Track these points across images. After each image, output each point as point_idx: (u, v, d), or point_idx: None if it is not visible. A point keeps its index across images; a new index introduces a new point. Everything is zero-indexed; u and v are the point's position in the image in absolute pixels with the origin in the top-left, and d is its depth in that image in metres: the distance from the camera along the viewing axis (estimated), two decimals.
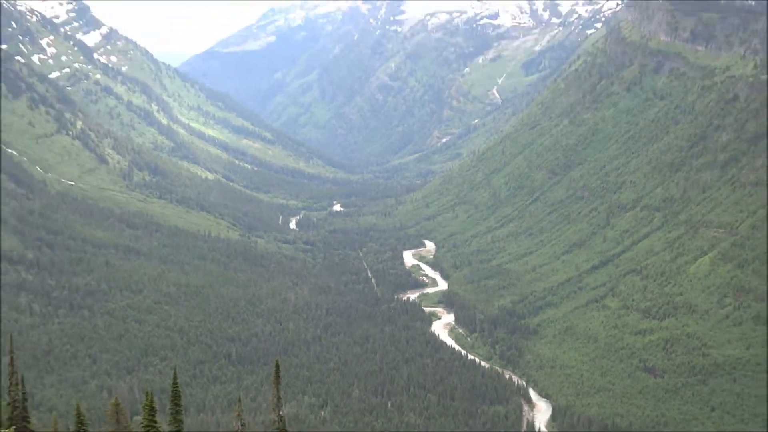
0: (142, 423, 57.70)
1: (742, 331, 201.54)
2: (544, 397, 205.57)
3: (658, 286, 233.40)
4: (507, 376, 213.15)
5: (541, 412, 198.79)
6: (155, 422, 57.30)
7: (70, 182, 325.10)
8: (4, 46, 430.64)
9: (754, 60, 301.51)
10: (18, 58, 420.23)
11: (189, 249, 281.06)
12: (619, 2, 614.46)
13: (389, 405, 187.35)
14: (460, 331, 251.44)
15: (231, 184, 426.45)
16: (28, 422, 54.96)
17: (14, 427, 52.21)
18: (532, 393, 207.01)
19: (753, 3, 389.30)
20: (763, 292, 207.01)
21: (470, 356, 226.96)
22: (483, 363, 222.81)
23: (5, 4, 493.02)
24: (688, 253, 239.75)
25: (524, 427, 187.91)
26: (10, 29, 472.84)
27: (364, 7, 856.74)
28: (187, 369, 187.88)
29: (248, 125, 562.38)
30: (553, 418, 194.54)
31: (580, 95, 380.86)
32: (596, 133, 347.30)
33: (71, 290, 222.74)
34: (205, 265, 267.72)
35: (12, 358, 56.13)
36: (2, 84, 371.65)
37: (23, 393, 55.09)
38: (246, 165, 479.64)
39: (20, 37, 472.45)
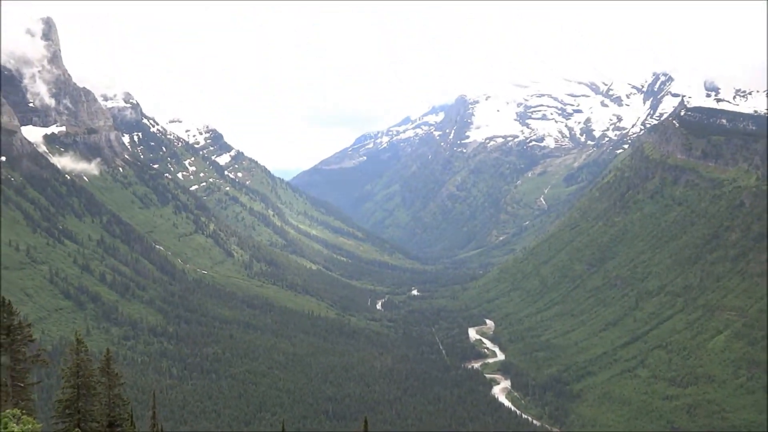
0: None
1: (755, 398, 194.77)
2: None
3: (681, 359, 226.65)
4: None
5: None
6: None
7: (203, 271, 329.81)
8: (155, 166, 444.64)
9: (756, 173, 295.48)
10: (166, 174, 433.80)
11: (296, 325, 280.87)
12: (642, 127, 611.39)
13: None
14: (516, 394, 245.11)
15: (330, 273, 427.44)
16: None
17: None
18: None
19: (754, 128, 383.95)
20: None
21: (524, 416, 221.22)
22: (535, 421, 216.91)
23: (158, 134, 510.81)
24: (706, 332, 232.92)
25: None
26: (161, 153, 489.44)
27: (436, 134, 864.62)
28: (293, 423, 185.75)
29: (344, 226, 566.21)
30: None
31: (612, 202, 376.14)
32: (626, 232, 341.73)
33: (202, 357, 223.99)
34: (308, 338, 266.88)
35: (154, 412, 55.42)
36: (154, 195, 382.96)
37: None
38: (342, 258, 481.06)
39: (168, 159, 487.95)
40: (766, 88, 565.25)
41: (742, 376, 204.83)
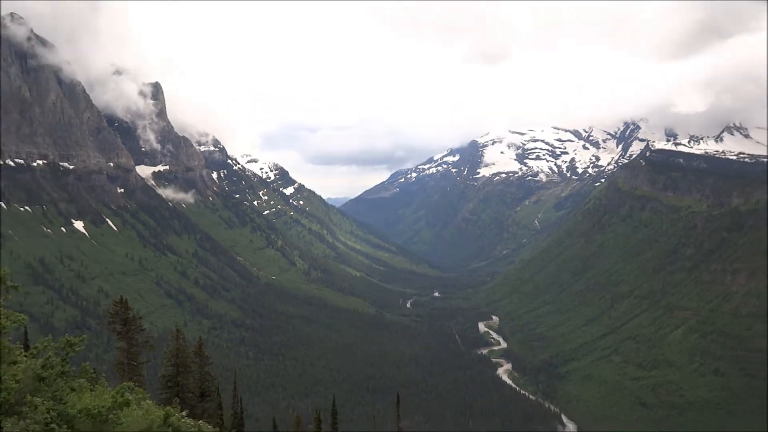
0: (312, 430, 57.01)
1: (706, 380, 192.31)
2: (572, 421, 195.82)
3: (647, 348, 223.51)
4: (547, 406, 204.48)
5: None
6: (320, 430, 56.46)
7: (273, 277, 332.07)
8: (237, 196, 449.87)
9: (707, 202, 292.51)
10: (245, 202, 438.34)
11: (344, 319, 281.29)
12: (616, 165, 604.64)
13: (470, 423, 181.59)
14: (516, 374, 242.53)
15: (370, 278, 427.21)
16: (243, 427, 54.58)
17: (235, 430, 51.98)
18: (564, 418, 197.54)
19: (705, 166, 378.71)
20: (719, 354, 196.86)
21: (522, 392, 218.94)
22: (531, 396, 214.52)
23: (239, 171, 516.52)
24: (666, 327, 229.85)
25: None
26: (240, 185, 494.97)
27: (453, 171, 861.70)
28: (341, 395, 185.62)
29: (381, 242, 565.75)
30: None
31: (591, 224, 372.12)
32: (603, 248, 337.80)
33: (271, 344, 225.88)
34: (353, 329, 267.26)
35: (235, 386, 56.28)
36: (236, 218, 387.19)
37: (240, 408, 54.88)
38: (380, 267, 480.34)
39: (246, 190, 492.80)
40: (713, 135, 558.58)
41: (696, 362, 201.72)
